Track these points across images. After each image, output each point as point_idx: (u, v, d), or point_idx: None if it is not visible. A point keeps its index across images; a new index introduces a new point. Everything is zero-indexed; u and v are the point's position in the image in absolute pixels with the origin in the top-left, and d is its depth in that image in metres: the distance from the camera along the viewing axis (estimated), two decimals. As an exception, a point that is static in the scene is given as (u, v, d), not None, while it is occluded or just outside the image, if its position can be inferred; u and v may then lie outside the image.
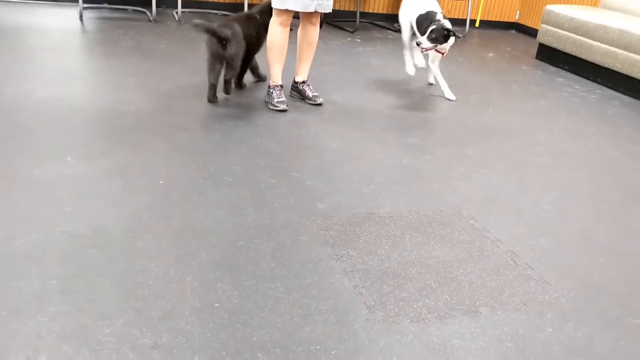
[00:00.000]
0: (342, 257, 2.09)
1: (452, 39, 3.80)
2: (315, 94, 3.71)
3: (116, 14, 5.45)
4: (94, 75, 3.73)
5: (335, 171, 2.79)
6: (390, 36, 5.94)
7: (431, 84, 4.35)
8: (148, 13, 5.46)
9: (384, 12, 6.53)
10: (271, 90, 3.56)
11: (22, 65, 3.74)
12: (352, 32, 5.82)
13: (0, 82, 3.40)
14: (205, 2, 5.90)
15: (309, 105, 3.67)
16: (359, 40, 5.59)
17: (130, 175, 2.50)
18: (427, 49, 3.78)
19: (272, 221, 2.28)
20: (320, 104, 3.69)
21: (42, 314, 1.65)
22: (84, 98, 3.31)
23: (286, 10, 3.33)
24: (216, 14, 5.85)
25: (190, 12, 5.74)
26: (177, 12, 5.48)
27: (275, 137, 3.10)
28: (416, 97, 4.08)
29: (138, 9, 5.61)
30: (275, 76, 3.56)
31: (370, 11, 6.45)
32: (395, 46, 5.51)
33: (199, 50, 4.46)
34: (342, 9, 6.28)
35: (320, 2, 3.38)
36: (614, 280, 2.15)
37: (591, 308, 1.98)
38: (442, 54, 3.95)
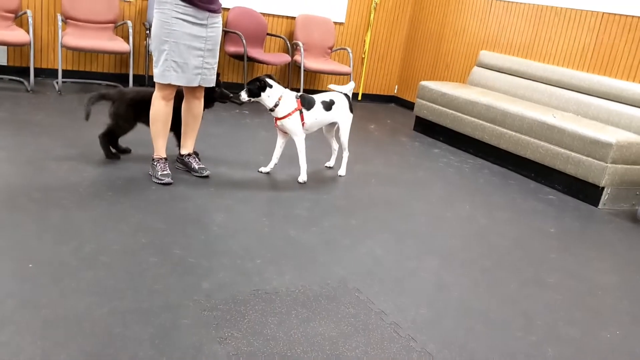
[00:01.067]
0: (226, 339, 2.03)
1: (268, 90, 3.62)
2: (201, 166, 3.68)
3: (-12, 83, 5.18)
4: None
5: (221, 246, 2.74)
6: (277, 108, 6.07)
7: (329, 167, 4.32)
8: (26, 83, 5.23)
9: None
10: (155, 163, 3.49)
11: None
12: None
13: None
14: (88, 72, 5.76)
15: (195, 178, 3.62)
16: (247, 112, 5.66)
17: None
18: (243, 102, 3.73)
19: (151, 304, 2.18)
20: (207, 177, 3.65)
21: None
22: (-55, 174, 3.06)
23: (169, 85, 3.33)
24: (100, 84, 5.72)
25: (72, 82, 5.57)
26: (57, 82, 5.29)
27: (158, 212, 3.01)
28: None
29: (15, 78, 5.36)
30: (159, 149, 3.50)
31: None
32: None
33: (79, 122, 4.31)
34: (230, 80, 6.37)
35: (203, 76, 3.41)
36: (489, 347, 2.24)
37: (470, 377, 2.04)
38: (276, 121, 3.76)
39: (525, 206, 4.07)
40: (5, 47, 5.35)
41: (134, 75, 5.55)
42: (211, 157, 4.09)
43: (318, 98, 3.84)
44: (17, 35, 4.94)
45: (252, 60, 6.00)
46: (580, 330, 2.48)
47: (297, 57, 6.34)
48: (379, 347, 2.13)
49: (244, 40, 5.86)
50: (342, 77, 6.88)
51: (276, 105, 3.64)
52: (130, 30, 5.40)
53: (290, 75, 6.63)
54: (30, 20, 5.04)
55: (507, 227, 3.61)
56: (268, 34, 6.38)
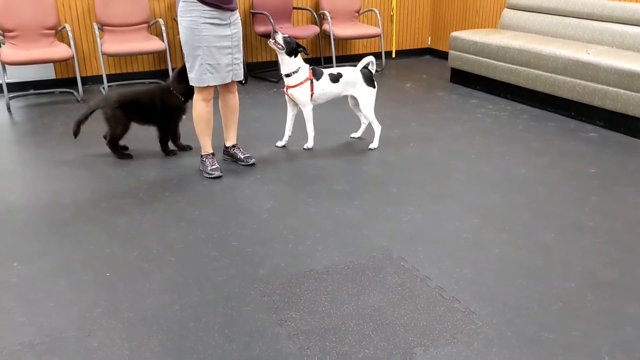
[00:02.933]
0: (285, 321, 2.27)
1: (296, 58, 3.93)
2: (246, 155, 3.91)
3: (44, 99, 5.53)
4: (28, 169, 3.82)
5: (272, 232, 2.97)
6: (312, 80, 6.21)
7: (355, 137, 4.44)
8: (75, 93, 5.56)
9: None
10: (204, 159, 3.75)
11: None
12: (276, 82, 6.07)
13: None
14: (130, 73, 6.05)
15: (243, 167, 3.85)
16: (283, 89, 5.82)
17: (75, 272, 2.62)
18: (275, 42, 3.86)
19: (216, 296, 2.44)
20: (253, 164, 3.88)
21: None
22: (21, 195, 3.40)
23: (207, 86, 3.54)
24: (143, 82, 6.00)
25: (117, 84, 5.87)
26: (104, 88, 5.60)
27: (212, 206, 3.27)
28: (342, 143, 4.33)
29: (65, 90, 5.71)
30: (206, 146, 3.75)
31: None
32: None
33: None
34: (263, 60, 6.53)
35: (235, 72, 3.62)
36: (528, 299, 2.40)
37: (512, 330, 2.21)
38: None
39: (566, 148, 4.11)
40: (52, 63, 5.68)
41: (172, 70, 5.79)
42: (254, 142, 4.31)
43: (326, 71, 4.04)
44: (61, 50, 5.24)
45: (282, 37, 6.12)
46: (618, 271, 2.59)
47: (325, 27, 6.42)
48: (425, 312, 2.32)
49: (271, 19, 5.98)
50: (373, 40, 6.91)
51: (294, 73, 3.92)
52: (163, 28, 5.62)
53: (321, 45, 6.73)
54: (70, 34, 5.34)
55: (547, 173, 3.69)
56: (294, 8, 6.48)
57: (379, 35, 6.49)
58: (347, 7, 6.61)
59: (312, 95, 3.99)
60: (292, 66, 3.92)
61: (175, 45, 6.02)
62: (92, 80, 5.93)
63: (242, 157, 3.91)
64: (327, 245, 2.85)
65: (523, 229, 3.00)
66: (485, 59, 5.49)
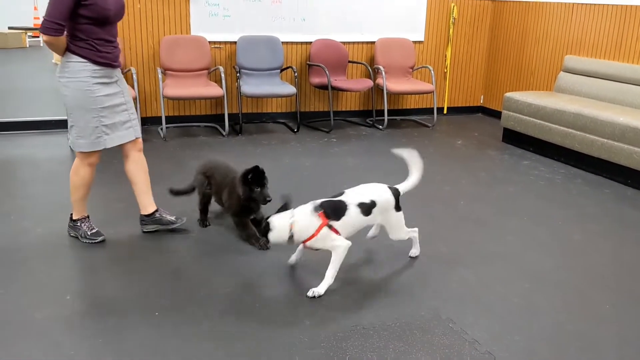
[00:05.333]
0: (330, 375, 2.25)
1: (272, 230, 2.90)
2: (174, 215, 3.58)
3: (103, 137, 5.76)
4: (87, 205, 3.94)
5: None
6: (364, 132, 6.29)
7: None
8: (133, 133, 5.78)
9: (356, 108, 6.93)
10: (80, 224, 3.42)
11: (15, 200, 3.96)
12: (327, 132, 6.16)
13: (-3, 222, 3.61)
14: (188, 116, 6.25)
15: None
16: (334, 139, 5.91)
17: (122, 311, 2.67)
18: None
19: (263, 345, 2.43)
20: (183, 221, 3.56)
21: None
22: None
23: (97, 151, 3.27)
24: (199, 126, 6.19)
25: (174, 127, 6.07)
26: (161, 129, 5.80)
27: (259, 258, 3.30)
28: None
29: (123, 129, 5.93)
30: (83, 210, 3.44)
31: (342, 109, 6.84)
32: (369, 142, 5.85)
33: (186, 167, 4.72)
34: (316, 109, 6.66)
35: (135, 127, 3.36)
36: (584, 372, 2.31)
37: (564, 404, 2.13)
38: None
39: (622, 216, 4.01)
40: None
41: (228, 114, 5.96)
42: (302, 190, 4.35)
43: (352, 198, 2.98)
44: (125, 91, 5.48)
45: (336, 89, 6.26)
46: (679, 350, 2.48)
47: (379, 81, 6.53)
48: (473, 377, 2.26)
49: (327, 72, 6.13)
50: (426, 95, 6.97)
51: (291, 236, 2.88)
52: (222, 75, 5.82)
53: (374, 99, 6.83)
54: (134, 76, 5.58)
55: (603, 241, 3.60)
56: (349, 62, 6.62)
57: (432, 92, 6.55)
58: (402, 63, 6.72)
59: (338, 235, 2.92)
60: (281, 233, 2.89)
61: (232, 92, 6.21)
62: (151, 121, 6.14)
63: (172, 218, 3.55)
64: (373, 300, 2.83)
65: (577, 297, 2.92)
66: (539, 121, 5.46)
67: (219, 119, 6.19)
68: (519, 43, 6.76)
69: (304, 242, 2.90)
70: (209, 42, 6.03)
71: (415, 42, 6.90)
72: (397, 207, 3.13)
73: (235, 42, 6.14)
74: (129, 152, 3.41)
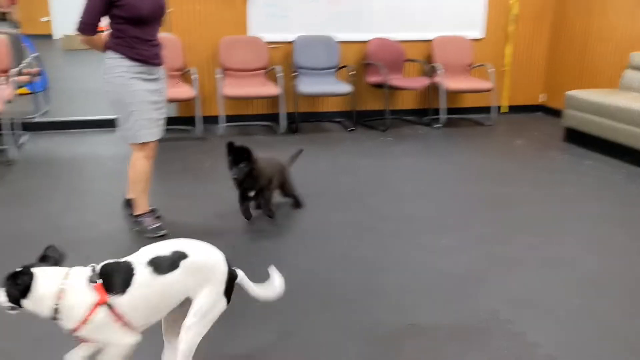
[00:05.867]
0: (386, 373, 2.25)
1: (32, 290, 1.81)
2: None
3: (166, 135, 5.89)
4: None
5: (376, 281, 2.97)
6: (420, 131, 6.24)
7: None
8: (193, 131, 5.92)
9: (412, 107, 6.87)
10: (141, 219, 3.53)
11: (81, 197, 4.13)
12: (383, 131, 6.15)
13: (60, 215, 3.77)
14: (245, 115, 6.36)
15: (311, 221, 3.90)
16: (390, 138, 5.89)
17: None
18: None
19: (316, 342, 2.46)
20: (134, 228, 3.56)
21: None
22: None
23: (148, 143, 3.39)
24: (255, 125, 6.28)
25: (231, 125, 6.19)
26: (219, 128, 5.92)
27: (312, 252, 3.33)
28: (449, 194, 4.28)
29: (184, 127, 6.09)
30: (144, 205, 3.55)
31: (398, 108, 6.80)
32: (425, 141, 5.80)
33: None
34: (372, 109, 6.64)
35: (162, 127, 3.49)
36: (650, 380, 2.24)
37: (629, 411, 2.06)
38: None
39: (692, 220, 3.84)
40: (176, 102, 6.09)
41: (286, 114, 6.03)
42: (361, 189, 4.36)
43: (144, 255, 1.95)
44: (185, 92, 5.64)
45: (392, 87, 6.23)
46: None
47: (436, 79, 6.46)
48: (533, 381, 2.22)
49: (384, 70, 6.11)
50: (482, 94, 6.84)
51: (56, 312, 1.83)
52: (279, 74, 5.89)
53: (430, 98, 6.76)
54: (195, 77, 5.72)
55: (671, 245, 3.46)
56: (406, 60, 6.58)
57: (490, 89, 6.43)
58: (460, 61, 6.63)
59: (122, 323, 1.88)
60: (43, 304, 1.82)
61: (289, 91, 6.28)
62: (209, 120, 6.27)
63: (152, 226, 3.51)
64: (431, 299, 2.81)
65: (638, 302, 2.82)
66: (603, 120, 5.28)
67: (275, 117, 6.26)
68: (582, 39, 6.54)
69: (71, 330, 1.85)
70: (266, 42, 6.11)
71: (473, 39, 6.78)
72: (227, 291, 2.01)
73: (292, 42, 6.21)
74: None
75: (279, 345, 2.43)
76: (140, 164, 3.42)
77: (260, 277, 2.25)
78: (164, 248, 1.96)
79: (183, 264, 1.93)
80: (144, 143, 3.37)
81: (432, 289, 2.91)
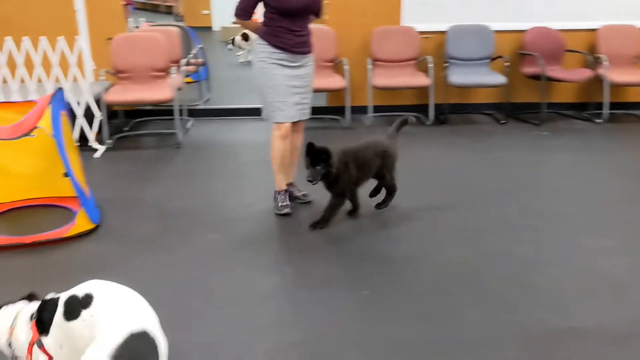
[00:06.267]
0: (541, 374, 2.17)
1: None
2: (304, 192, 3.93)
3: (315, 123, 6.08)
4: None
5: (531, 280, 2.86)
6: (577, 126, 5.86)
7: None
8: (341, 120, 6.04)
9: (570, 100, 6.46)
10: (276, 196, 3.80)
11: (239, 179, 4.39)
12: (537, 125, 5.85)
13: (220, 194, 4.04)
14: (392, 106, 6.36)
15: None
16: (545, 133, 5.60)
17: (334, 286, 2.83)
18: None
19: (467, 336, 2.43)
20: (309, 202, 3.87)
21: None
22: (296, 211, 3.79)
23: (283, 124, 3.60)
24: (402, 115, 6.26)
25: (380, 116, 6.23)
26: (367, 118, 5.99)
27: (465, 245, 3.27)
28: (608, 192, 3.99)
29: (333, 117, 6.23)
30: (279, 182, 3.80)
31: (555, 101, 6.42)
32: (584, 137, 5.44)
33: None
34: (526, 101, 6.35)
35: (303, 111, 3.72)
36: None
37: None
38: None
39: None
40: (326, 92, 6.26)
41: (434, 105, 5.94)
42: (511, 189, 4.20)
43: (70, 291, 1.81)
44: (335, 81, 5.77)
45: (550, 79, 5.90)
46: None
47: (600, 71, 6.01)
48: None
49: (541, 61, 5.81)
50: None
51: (10, 346, 1.94)
52: (430, 65, 5.82)
53: (591, 91, 6.31)
54: (346, 67, 5.83)
55: None
56: (567, 50, 6.19)
57: (663, 83, 5.86)
58: (628, 52, 6.11)
59: None
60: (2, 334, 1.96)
61: (439, 82, 6.18)
62: (357, 110, 6.35)
63: (298, 194, 3.92)
64: (591, 302, 2.65)
65: None
66: None
67: (424, 108, 6.19)
68: None
69: None
70: (419, 32, 6.06)
71: (645, 28, 6.21)
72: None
73: (444, 32, 6.10)
74: (292, 131, 3.74)
75: (438, 340, 2.42)
76: (275, 142, 3.67)
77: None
78: (84, 288, 1.76)
79: (84, 314, 1.70)
80: (278, 123, 3.62)
81: (592, 291, 2.75)
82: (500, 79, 5.76)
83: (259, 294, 2.79)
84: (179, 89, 5.46)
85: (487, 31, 6.05)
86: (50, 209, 3.80)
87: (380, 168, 3.63)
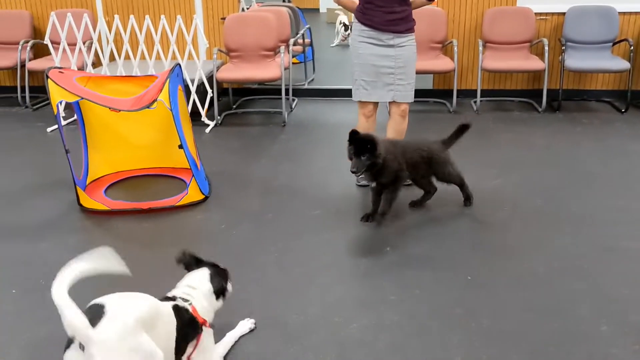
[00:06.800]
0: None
1: None
2: None
3: (420, 107, 5.98)
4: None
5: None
6: None
7: None
8: (448, 104, 5.90)
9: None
10: None
11: (340, 158, 4.27)
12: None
13: (323, 173, 4.04)
14: (502, 90, 6.13)
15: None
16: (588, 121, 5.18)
17: (436, 267, 2.79)
18: None
19: (577, 328, 2.32)
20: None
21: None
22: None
23: (367, 102, 3.60)
24: (512, 101, 6.02)
25: (488, 100, 6.02)
26: (475, 102, 5.81)
27: (578, 237, 3.11)
28: None
29: (439, 100, 6.10)
30: None
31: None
32: None
33: (495, 142, 4.67)
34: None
35: (397, 92, 3.56)
36: None
37: None
38: None
39: None
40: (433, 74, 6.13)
41: (547, 90, 5.66)
42: (634, 176, 3.93)
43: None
44: (444, 63, 5.62)
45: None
46: None
47: None
48: None
49: (671, 45, 5.35)
50: None
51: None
52: (546, 47, 5.53)
53: None
54: (455, 49, 5.68)
55: None
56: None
57: None
58: None
59: None
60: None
61: (554, 66, 5.87)
62: (464, 94, 6.17)
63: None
64: None
65: None
66: None
67: (535, 94, 5.91)
68: None
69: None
70: (535, 13, 5.77)
71: None
72: None
73: (563, 13, 5.77)
74: (392, 113, 3.72)
75: (535, 322, 2.33)
76: (360, 120, 3.71)
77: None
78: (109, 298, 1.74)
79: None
80: (360, 102, 3.63)
81: None
82: (623, 64, 5.37)
83: (361, 272, 2.80)
84: (286, 69, 5.55)
85: (612, 12, 5.64)
86: (165, 179, 4.01)
87: (425, 172, 3.41)
